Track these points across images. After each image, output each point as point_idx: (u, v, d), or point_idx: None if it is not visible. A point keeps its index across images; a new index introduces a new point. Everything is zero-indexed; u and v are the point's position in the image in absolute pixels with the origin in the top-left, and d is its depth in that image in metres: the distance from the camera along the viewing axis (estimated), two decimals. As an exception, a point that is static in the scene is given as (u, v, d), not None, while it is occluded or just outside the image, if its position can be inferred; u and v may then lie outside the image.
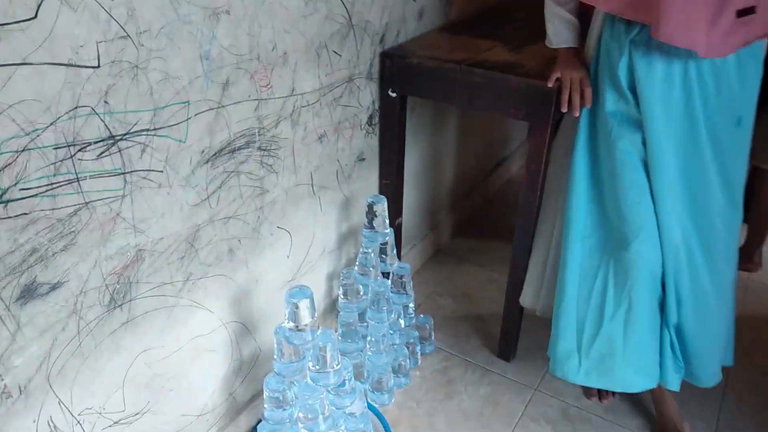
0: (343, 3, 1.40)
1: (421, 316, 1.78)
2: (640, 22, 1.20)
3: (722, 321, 1.46)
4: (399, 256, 1.89)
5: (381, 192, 1.78)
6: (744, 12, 1.13)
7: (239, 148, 1.24)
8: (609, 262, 1.42)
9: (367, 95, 1.61)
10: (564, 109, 1.38)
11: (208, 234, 1.22)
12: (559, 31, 1.39)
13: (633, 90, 1.28)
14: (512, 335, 1.74)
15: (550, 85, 1.37)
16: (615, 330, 1.43)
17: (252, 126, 1.25)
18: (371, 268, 1.57)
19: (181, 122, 1.09)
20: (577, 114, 1.37)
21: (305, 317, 1.27)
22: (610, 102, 1.32)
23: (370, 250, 1.56)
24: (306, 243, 1.54)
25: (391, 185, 1.76)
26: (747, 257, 2.12)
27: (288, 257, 1.49)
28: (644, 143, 1.31)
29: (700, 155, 1.29)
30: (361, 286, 1.58)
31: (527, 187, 1.52)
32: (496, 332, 1.78)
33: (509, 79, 1.43)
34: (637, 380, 1.46)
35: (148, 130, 1.03)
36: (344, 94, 1.51)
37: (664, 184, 1.31)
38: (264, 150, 1.30)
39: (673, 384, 1.46)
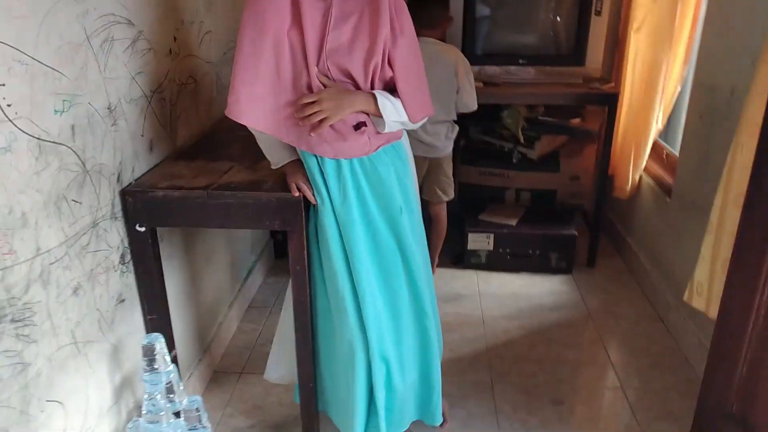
0: (74, 151, 1.37)
1: (221, 443, 1.72)
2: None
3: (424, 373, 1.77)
4: (180, 390, 1.81)
5: (148, 329, 1.71)
6: (358, 126, 1.49)
7: (-11, 327, 1.10)
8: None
9: (115, 235, 1.55)
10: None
11: (-32, 435, 1.05)
12: (277, 152, 1.59)
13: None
14: None
15: (295, 194, 1.52)
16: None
17: (1, 299, 1.13)
18: (161, 413, 1.48)
19: None
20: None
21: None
22: (317, 198, 1.56)
23: (156, 394, 1.48)
24: (81, 408, 1.40)
25: (157, 320, 1.70)
26: None
27: (65, 431, 1.33)
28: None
29: (380, 236, 1.59)
30: (152, 435, 1.48)
31: (297, 288, 1.62)
32: (297, 434, 1.81)
33: (259, 196, 1.54)
34: None
35: None
36: (91, 240, 1.45)
37: (358, 265, 1.56)
38: (18, 321, 1.18)
39: None
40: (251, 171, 1.70)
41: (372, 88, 1.50)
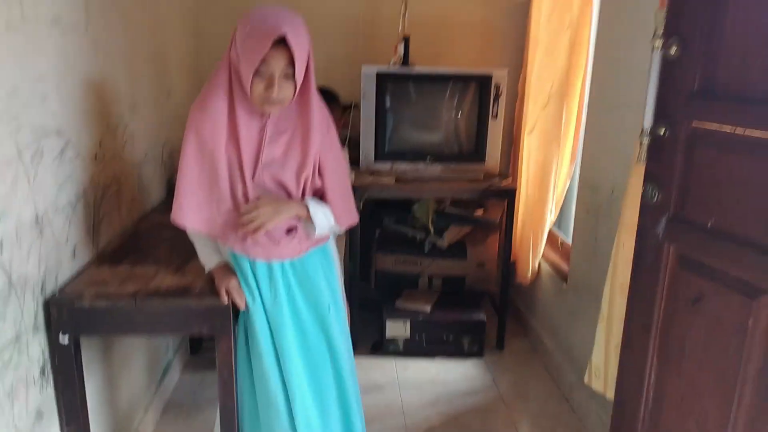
0: (2, 266, 1.37)
1: None
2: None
3: None
4: (97, 504, 1.74)
5: (65, 442, 1.65)
6: (289, 230, 1.63)
7: None
8: None
9: (36, 347, 1.53)
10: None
11: None
12: (207, 256, 1.68)
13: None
14: None
15: (225, 302, 1.58)
16: None
17: None
18: None
19: None
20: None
21: None
22: (249, 299, 1.63)
23: None
24: None
25: (77, 430, 1.65)
26: None
27: None
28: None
29: (309, 334, 1.69)
30: None
31: (223, 394, 1.64)
32: None
33: (187, 303, 1.58)
34: None
35: None
36: (14, 355, 1.42)
37: (289, 364, 1.65)
38: (-62, 449, 1.14)
39: None
40: (179, 275, 1.74)
41: (303, 195, 1.63)
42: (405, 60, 2.95)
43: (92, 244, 1.88)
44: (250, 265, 1.61)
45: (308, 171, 1.59)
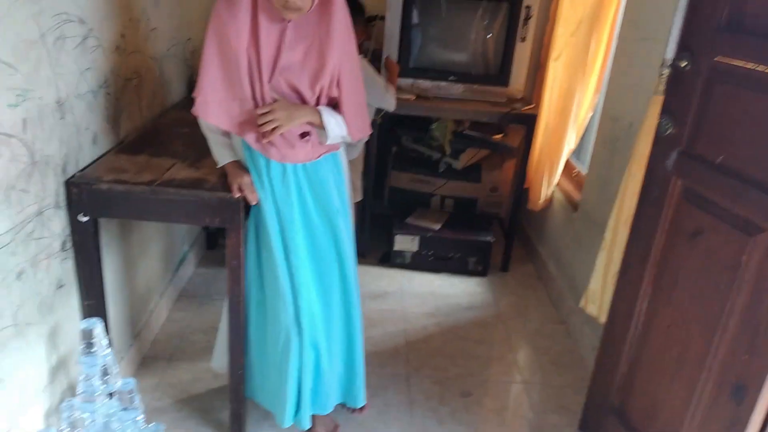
0: (24, 144, 1.43)
1: (152, 425, 1.81)
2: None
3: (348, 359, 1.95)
4: (111, 373, 1.89)
5: (84, 314, 1.78)
6: (303, 135, 1.65)
7: (-60, 308, 1.17)
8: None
9: (57, 223, 1.62)
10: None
11: None
12: (219, 152, 1.72)
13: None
14: (241, 418, 1.91)
15: (236, 196, 1.64)
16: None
17: (-49, 282, 1.20)
18: (96, 394, 1.57)
19: None
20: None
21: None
22: (261, 196, 1.69)
23: (92, 376, 1.56)
24: (19, 386, 1.47)
25: (93, 305, 1.77)
26: None
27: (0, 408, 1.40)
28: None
29: (317, 234, 1.75)
30: (86, 414, 1.56)
31: (231, 282, 1.74)
32: (225, 419, 1.92)
33: (200, 194, 1.65)
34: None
35: None
36: (36, 228, 1.51)
37: (295, 260, 1.72)
38: (-34, 303, 1.25)
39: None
40: (193, 169, 1.80)
41: (318, 104, 1.66)
42: (436, -27, 2.87)
43: (113, 134, 1.94)
44: (265, 163, 1.66)
45: (324, 81, 1.61)
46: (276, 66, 1.58)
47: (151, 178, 1.69)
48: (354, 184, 2.82)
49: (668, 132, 1.67)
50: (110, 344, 1.82)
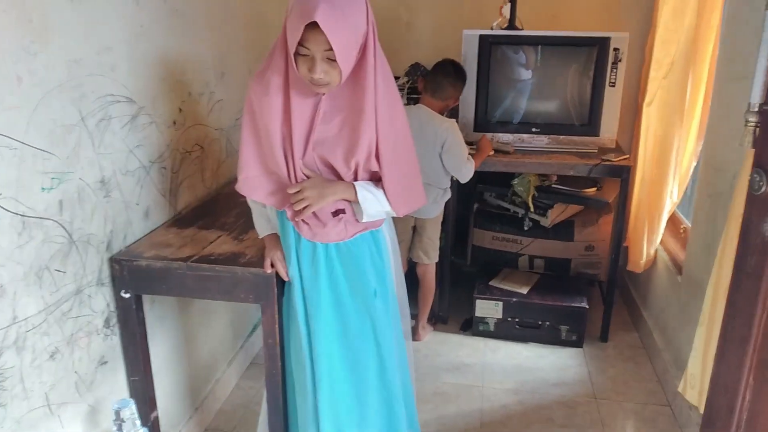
0: (61, 224, 1.47)
1: None
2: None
3: None
4: (161, 451, 1.87)
5: (131, 389, 1.77)
6: (336, 213, 1.55)
7: (-48, 395, 1.19)
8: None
9: (100, 300, 1.64)
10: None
11: None
12: (260, 224, 1.68)
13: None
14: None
15: (268, 272, 1.58)
16: None
17: (-34, 368, 1.21)
18: (127, 476, 1.53)
19: None
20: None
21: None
22: (291, 275, 1.61)
23: (122, 458, 1.53)
24: (48, 469, 1.47)
25: (139, 381, 1.76)
26: (414, 330, 2.77)
27: (27, 491, 1.40)
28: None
29: (349, 319, 1.61)
30: (118, 498, 1.53)
31: (268, 361, 1.66)
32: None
33: (234, 270, 1.60)
34: None
35: None
36: (74, 306, 1.53)
37: (318, 347, 1.59)
38: (-16, 388, 1.26)
39: None
40: (236, 242, 1.77)
41: (356, 179, 1.55)
42: (511, 22, 2.73)
43: (168, 207, 1.97)
44: (295, 241, 1.58)
45: (359, 156, 1.49)
46: (309, 141, 1.49)
47: (190, 254, 1.67)
48: (432, 243, 2.70)
49: (762, 190, 1.39)
50: (157, 421, 1.81)
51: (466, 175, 2.53)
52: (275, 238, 1.65)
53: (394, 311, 1.72)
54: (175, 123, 1.98)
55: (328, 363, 1.60)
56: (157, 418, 1.84)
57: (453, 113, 2.78)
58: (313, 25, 1.30)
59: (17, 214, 1.33)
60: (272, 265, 1.60)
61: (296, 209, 1.51)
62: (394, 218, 2.38)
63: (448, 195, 2.66)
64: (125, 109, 1.71)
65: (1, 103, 1.27)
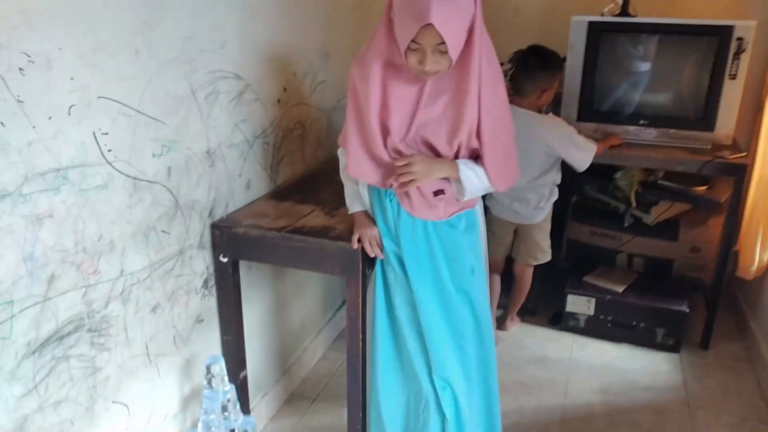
0: (168, 189, 1.59)
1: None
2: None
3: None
4: (248, 409, 1.98)
5: (223, 348, 1.90)
6: (437, 192, 1.59)
7: (68, 334, 1.32)
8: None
9: (200, 262, 1.76)
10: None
11: (36, 422, 1.27)
12: (351, 200, 1.72)
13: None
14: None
15: (354, 247, 1.62)
16: None
17: (80, 311, 1.35)
18: (214, 429, 1.64)
19: (4, 321, 1.17)
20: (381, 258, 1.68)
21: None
22: (389, 251, 1.64)
23: (210, 411, 1.64)
24: (146, 412, 1.60)
25: (231, 341, 1.88)
26: (503, 320, 2.78)
27: (127, 430, 1.54)
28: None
29: (450, 297, 1.64)
30: (205, 447, 1.65)
31: (350, 334, 1.71)
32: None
33: (323, 243, 1.67)
34: None
35: (-31, 334, 1.11)
36: (176, 266, 1.66)
37: (428, 320, 1.64)
38: (94, 331, 1.40)
39: None
40: (328, 217, 1.83)
41: (457, 157, 1.58)
42: (624, 9, 2.60)
43: (269, 180, 2.07)
44: (394, 218, 1.62)
45: (462, 136, 1.51)
46: (412, 123, 1.52)
47: (285, 225, 1.75)
48: (539, 246, 2.61)
49: None
50: (245, 380, 1.92)
51: (582, 161, 2.39)
52: (365, 215, 1.70)
53: (486, 292, 1.75)
54: (279, 101, 2.06)
55: (434, 331, 1.66)
56: (245, 377, 1.95)
57: (556, 102, 2.69)
58: (428, 25, 1.32)
59: (129, 176, 1.45)
60: (359, 241, 1.64)
61: (402, 181, 1.53)
62: (495, 223, 2.38)
63: (555, 196, 2.54)
64: (233, 86, 1.81)
65: (120, 74, 1.39)
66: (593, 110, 2.69)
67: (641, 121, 2.65)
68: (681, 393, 2.40)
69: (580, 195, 3.03)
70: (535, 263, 2.65)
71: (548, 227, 2.62)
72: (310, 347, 2.50)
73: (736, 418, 2.26)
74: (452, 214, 1.64)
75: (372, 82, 1.50)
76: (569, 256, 3.00)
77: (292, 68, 2.13)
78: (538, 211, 2.51)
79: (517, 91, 2.38)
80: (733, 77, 2.48)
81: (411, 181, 1.53)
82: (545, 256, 2.64)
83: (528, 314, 2.91)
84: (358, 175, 1.63)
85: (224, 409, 1.71)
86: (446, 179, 1.58)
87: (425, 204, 1.60)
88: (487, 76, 1.48)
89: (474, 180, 1.56)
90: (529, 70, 2.34)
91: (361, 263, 1.64)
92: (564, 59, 2.51)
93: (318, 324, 2.58)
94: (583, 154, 2.38)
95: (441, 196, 1.60)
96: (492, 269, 2.53)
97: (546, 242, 2.62)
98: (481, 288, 1.72)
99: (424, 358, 1.69)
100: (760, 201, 2.52)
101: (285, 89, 2.10)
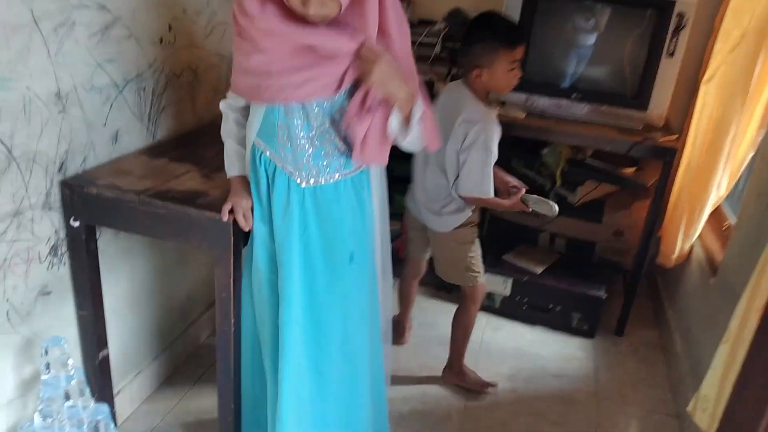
0: (-2, 138, 1.31)
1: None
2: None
3: None
4: (111, 393, 1.75)
5: (79, 324, 1.64)
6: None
7: None
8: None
9: (47, 226, 1.49)
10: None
11: None
12: (230, 161, 1.47)
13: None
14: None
15: (224, 219, 1.39)
16: None
17: None
18: (52, 419, 1.41)
19: None
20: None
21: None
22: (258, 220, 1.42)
23: (50, 399, 1.40)
24: (-35, 400, 1.35)
25: (88, 316, 1.63)
26: (453, 372, 2.21)
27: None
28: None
29: (318, 291, 1.42)
30: (42, 440, 1.41)
31: (221, 317, 1.49)
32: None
33: (188, 211, 1.42)
34: None
35: None
36: (9, 229, 1.38)
37: (288, 311, 1.41)
38: None
39: None
40: (205, 179, 1.58)
41: None
42: (563, -29, 2.40)
43: (146, 132, 1.79)
44: (266, 190, 1.40)
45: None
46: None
47: (147, 186, 1.50)
48: (449, 263, 2.11)
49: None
50: (107, 359, 1.69)
51: (470, 191, 1.91)
52: (242, 182, 1.45)
53: (372, 281, 1.53)
54: (162, 41, 1.78)
55: (291, 331, 1.43)
56: (107, 356, 1.71)
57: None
58: None
59: (-63, 118, 1.17)
60: (231, 212, 1.41)
61: (364, 66, 1.24)
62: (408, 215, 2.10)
63: (469, 213, 2.01)
64: (95, 17, 1.51)
65: None
66: (525, 79, 2.49)
67: (574, 95, 2.49)
68: (590, 382, 2.30)
69: (507, 169, 2.86)
70: (448, 281, 2.18)
71: (462, 248, 2.07)
72: (199, 321, 2.27)
73: (642, 410, 2.18)
74: (338, 177, 1.40)
75: (254, 18, 1.25)
76: (491, 232, 2.84)
77: (182, 4, 1.84)
78: (445, 218, 2.01)
79: (459, 69, 2.11)
80: (671, 54, 2.33)
81: (372, 72, 1.23)
82: (466, 278, 2.08)
83: (444, 291, 2.75)
84: (240, 91, 1.37)
85: (67, 396, 1.47)
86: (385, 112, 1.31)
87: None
88: (393, 26, 1.27)
89: (416, 126, 1.33)
90: (464, 40, 1.91)
91: (233, 237, 1.41)
92: (521, 36, 1.90)
93: (209, 296, 2.34)
94: (477, 189, 1.90)
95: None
96: (410, 273, 2.34)
97: (461, 263, 2.08)
98: (361, 282, 1.49)
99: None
100: (687, 187, 2.42)
101: (170, 27, 1.80)
